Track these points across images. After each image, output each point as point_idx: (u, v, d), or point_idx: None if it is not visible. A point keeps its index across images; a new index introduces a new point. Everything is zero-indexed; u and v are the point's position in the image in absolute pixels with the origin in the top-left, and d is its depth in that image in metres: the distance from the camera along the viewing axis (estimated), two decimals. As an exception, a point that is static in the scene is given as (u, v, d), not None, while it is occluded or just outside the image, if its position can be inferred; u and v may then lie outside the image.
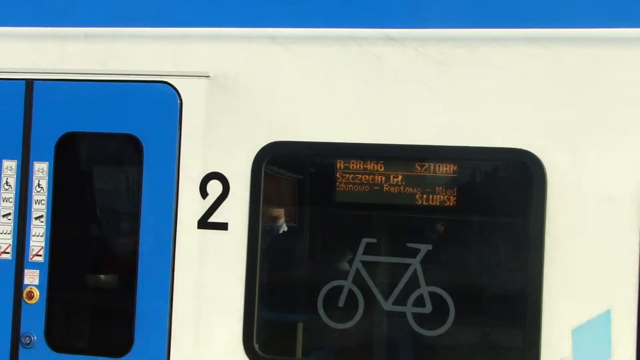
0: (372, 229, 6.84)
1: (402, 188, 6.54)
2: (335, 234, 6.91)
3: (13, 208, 6.95)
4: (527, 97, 6.41)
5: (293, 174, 6.94)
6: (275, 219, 6.96)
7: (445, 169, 6.49)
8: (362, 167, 6.58)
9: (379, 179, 6.56)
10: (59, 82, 6.90)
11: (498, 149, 6.39)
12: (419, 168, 6.50)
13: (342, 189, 6.62)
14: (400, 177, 6.57)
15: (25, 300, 6.86)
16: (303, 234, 6.97)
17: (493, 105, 6.46)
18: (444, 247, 6.70)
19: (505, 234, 6.63)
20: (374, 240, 6.72)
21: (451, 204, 6.44)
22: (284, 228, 6.99)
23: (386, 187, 6.54)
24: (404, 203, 6.57)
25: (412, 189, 6.52)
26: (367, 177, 6.58)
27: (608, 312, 6.13)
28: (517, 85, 6.45)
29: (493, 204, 6.58)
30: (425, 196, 6.52)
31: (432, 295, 6.53)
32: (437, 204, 6.46)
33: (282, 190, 6.95)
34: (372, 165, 6.57)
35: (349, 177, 6.60)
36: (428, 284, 6.55)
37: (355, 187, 6.57)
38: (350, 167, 6.60)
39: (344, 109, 6.67)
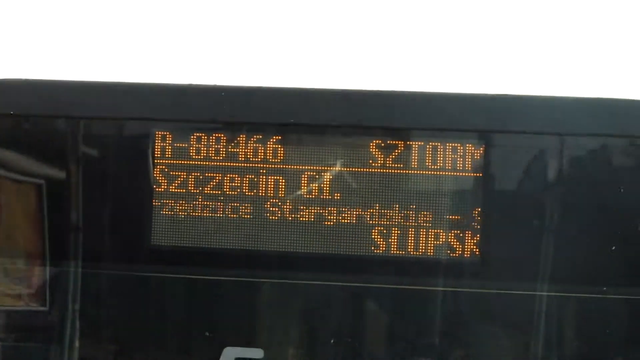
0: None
1: (330, 214, 3.38)
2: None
3: None
4: None
5: (38, 175, 3.64)
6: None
7: (462, 162, 3.36)
8: (220, 151, 3.44)
9: (268, 184, 3.38)
10: None
11: (605, 101, 3.36)
12: (379, 157, 3.39)
13: (167, 213, 3.45)
14: (327, 182, 3.39)
15: None
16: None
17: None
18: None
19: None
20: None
21: (466, 253, 3.35)
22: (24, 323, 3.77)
23: (285, 210, 3.41)
24: (333, 255, 3.38)
25: (360, 213, 3.39)
26: (236, 180, 3.40)
27: None
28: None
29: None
30: (392, 238, 3.39)
31: None
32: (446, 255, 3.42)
33: (10, 224, 3.68)
34: (250, 147, 3.40)
35: (178, 177, 3.42)
36: None
37: (205, 210, 3.42)
38: (186, 151, 3.46)
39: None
